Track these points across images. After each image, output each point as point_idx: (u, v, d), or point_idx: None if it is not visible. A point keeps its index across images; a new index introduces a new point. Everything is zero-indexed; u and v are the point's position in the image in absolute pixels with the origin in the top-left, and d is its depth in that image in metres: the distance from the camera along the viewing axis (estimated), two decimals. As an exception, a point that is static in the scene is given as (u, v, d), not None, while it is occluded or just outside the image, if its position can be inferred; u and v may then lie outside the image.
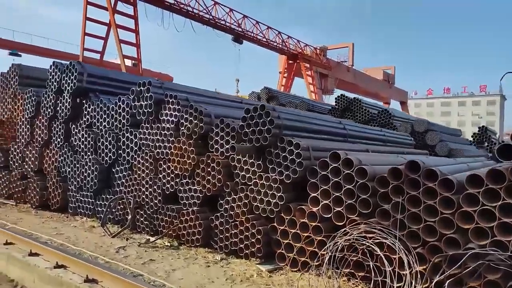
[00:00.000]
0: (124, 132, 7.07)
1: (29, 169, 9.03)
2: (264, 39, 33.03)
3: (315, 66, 35.75)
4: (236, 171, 5.43)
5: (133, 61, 26.20)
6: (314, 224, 4.63)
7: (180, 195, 6.06)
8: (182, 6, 27.98)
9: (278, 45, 34.23)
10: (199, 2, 28.84)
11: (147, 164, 6.53)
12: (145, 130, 6.65)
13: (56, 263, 4.45)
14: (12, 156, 9.52)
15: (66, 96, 8.11)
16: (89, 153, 7.66)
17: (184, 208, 5.98)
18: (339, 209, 4.51)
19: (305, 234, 4.70)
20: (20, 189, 9.23)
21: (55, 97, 8.41)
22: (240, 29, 31.13)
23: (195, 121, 5.80)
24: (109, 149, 7.30)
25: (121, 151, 7.10)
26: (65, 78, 8.04)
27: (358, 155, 4.80)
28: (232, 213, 5.41)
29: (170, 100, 6.24)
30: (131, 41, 25.46)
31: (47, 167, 8.71)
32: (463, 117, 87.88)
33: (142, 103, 6.55)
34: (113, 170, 7.28)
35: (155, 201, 6.37)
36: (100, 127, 7.64)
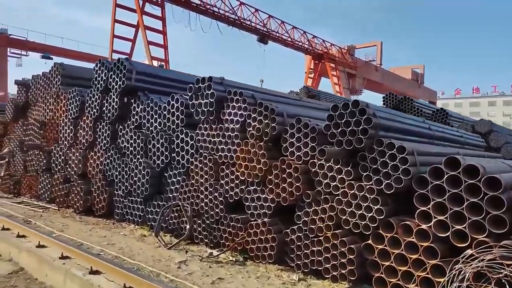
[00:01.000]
0: (179, 133, 6.34)
1: (72, 173, 8.46)
2: (289, 39, 32.27)
3: (341, 66, 34.68)
4: (318, 179, 4.51)
5: (160, 63, 25.92)
6: (425, 244, 3.74)
7: (247, 204, 5.21)
8: (208, 7, 27.81)
9: (303, 45, 33.43)
10: (225, 2, 28.55)
11: (206, 169, 5.73)
12: (203, 131, 5.90)
13: (124, 285, 3.74)
14: (54, 158, 8.99)
15: (113, 95, 7.49)
16: (138, 156, 6.98)
17: (252, 219, 5.15)
18: (460, 227, 3.65)
19: (413, 257, 3.81)
20: (62, 193, 8.68)
21: (101, 96, 7.81)
22: (265, 29, 30.55)
23: (266, 121, 4.98)
24: (162, 152, 6.53)
25: (175, 154, 6.34)
26: (113, 76, 7.41)
27: (469, 160, 3.92)
28: (313, 227, 4.49)
29: (235, 98, 5.39)
30: (158, 42, 25.28)
31: (91, 171, 8.13)
32: (493, 118, 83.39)
33: (201, 101, 5.80)
34: (166, 174, 6.54)
35: (216, 210, 5.60)
36: (151, 128, 6.94)
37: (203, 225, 5.73)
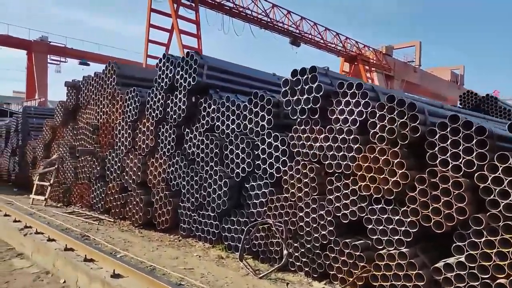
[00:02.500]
0: (265, 137, 5.16)
1: (130, 181, 7.49)
2: (322, 41, 31.06)
3: (376, 68, 32.98)
4: (492, 198, 3.17)
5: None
6: None
7: (370, 227, 3.93)
8: (241, 10, 27.25)
9: (336, 47, 32.11)
10: (258, 5, 27.90)
11: (306, 180, 4.43)
12: (301, 134, 4.68)
13: None
14: (109, 165, 8.06)
15: (180, 94, 6.44)
16: (212, 164, 5.82)
17: (379, 247, 3.94)
18: None
19: None
20: (118, 203, 7.72)
21: (165, 96, 6.79)
22: (297, 31, 29.55)
23: (401, 120, 3.77)
24: (242, 159, 5.29)
25: (260, 162, 5.12)
26: (180, 73, 6.39)
27: None
28: (486, 264, 3.10)
29: (349, 92, 4.13)
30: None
31: (152, 179, 7.12)
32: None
33: (299, 97, 4.65)
34: (247, 185, 5.35)
35: (322, 232, 4.32)
36: (227, 131, 5.79)
37: (302, 250, 4.51)
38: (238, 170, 5.36)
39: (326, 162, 4.23)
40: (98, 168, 7.99)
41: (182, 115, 6.20)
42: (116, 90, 7.75)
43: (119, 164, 7.55)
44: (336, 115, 4.19)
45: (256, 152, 5.14)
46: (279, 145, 4.87)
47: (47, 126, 10.26)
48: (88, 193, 8.41)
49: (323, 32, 31.69)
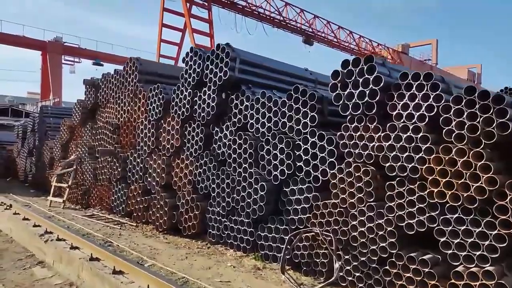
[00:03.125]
0: (308, 135, 4.51)
1: (154, 183, 7.03)
2: (335, 40, 30.46)
3: (390, 68, 32.11)
4: None
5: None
6: None
7: (443, 239, 3.28)
8: (253, 8, 26.92)
9: (349, 45, 31.44)
10: (271, 3, 27.49)
11: (359, 185, 3.84)
12: (352, 133, 4.01)
13: None
14: (130, 166, 7.60)
15: (209, 90, 5.94)
16: (246, 165, 5.20)
17: (455, 263, 3.24)
18: None
19: None
20: (141, 206, 7.26)
21: (192, 93, 6.28)
22: (310, 30, 29.02)
23: (486, 115, 3.18)
24: (281, 160, 4.73)
25: (302, 163, 4.56)
26: (210, 67, 5.89)
27: None
28: None
29: (415, 83, 3.52)
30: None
31: (177, 181, 6.64)
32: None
33: (353, 91, 4.01)
34: (286, 189, 4.75)
35: (382, 244, 3.69)
36: (262, 130, 5.16)
37: (355, 263, 3.97)
38: (276, 173, 4.82)
39: (387, 165, 3.67)
40: (119, 170, 7.53)
41: (211, 112, 5.69)
42: (138, 87, 7.28)
43: (141, 165, 7.08)
44: (399, 110, 3.63)
45: (297, 153, 4.60)
46: (325, 145, 4.32)
47: (65, 126, 9.86)
48: (108, 195, 7.97)
49: (336, 30, 31.11)
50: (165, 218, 6.37)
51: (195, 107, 5.99)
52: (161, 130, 6.67)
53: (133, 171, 7.25)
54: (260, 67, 5.78)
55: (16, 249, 5.97)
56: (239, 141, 5.32)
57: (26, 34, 25.86)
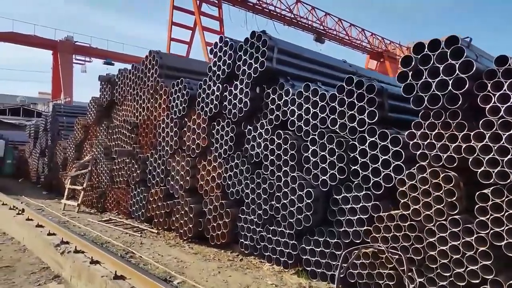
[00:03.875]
0: (366, 134, 3.74)
1: (177, 187, 6.39)
2: (347, 37, 29.58)
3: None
4: None
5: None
6: None
7: None
8: (264, 6, 26.27)
9: (361, 43, 30.58)
10: (282, 0, 26.82)
11: (439, 194, 3.10)
12: (427, 131, 3.25)
13: None
14: (151, 168, 6.97)
15: (241, 84, 5.25)
16: (286, 168, 4.45)
17: None
18: None
19: None
20: (162, 211, 6.62)
21: (222, 87, 5.62)
22: (321, 27, 28.25)
23: None
24: (331, 163, 4.02)
25: (358, 167, 3.84)
26: (243, 58, 5.09)
27: None
28: None
29: None
30: None
31: (203, 185, 5.99)
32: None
33: (430, 80, 3.22)
34: (337, 197, 4.03)
35: (471, 267, 2.92)
36: (306, 128, 4.39)
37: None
38: (324, 178, 4.13)
39: (480, 170, 2.97)
40: (138, 172, 6.90)
41: (244, 109, 5.02)
42: (159, 82, 6.63)
43: (163, 167, 6.44)
44: (494, 103, 2.93)
45: (352, 155, 3.91)
46: (389, 145, 3.63)
47: (79, 125, 9.27)
48: (126, 199, 7.35)
49: (348, 28, 30.27)
50: (190, 226, 5.72)
51: (225, 103, 5.31)
52: (185, 129, 6.01)
53: (154, 173, 6.61)
54: (299, 58, 5.08)
55: (29, 260, 5.35)
56: (278, 141, 4.64)
57: (38, 34, 25.49)
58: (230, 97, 5.24)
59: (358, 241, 3.79)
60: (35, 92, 42.05)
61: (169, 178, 6.26)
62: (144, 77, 7.05)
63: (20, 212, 6.88)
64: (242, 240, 5.11)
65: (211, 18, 25.66)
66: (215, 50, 5.40)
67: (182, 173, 6.01)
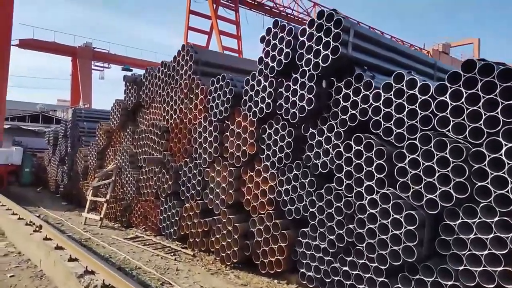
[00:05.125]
0: (501, 139, 2.81)
1: (217, 202, 5.38)
2: (365, 40, 28.59)
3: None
4: None
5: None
6: None
7: None
8: (281, 9, 25.47)
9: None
10: (299, 3, 25.96)
11: None
12: None
13: None
14: (185, 179, 5.98)
15: (303, 77, 4.18)
16: (371, 183, 3.36)
17: None
18: None
19: None
20: (199, 230, 5.61)
21: (276, 82, 4.61)
22: None
23: None
24: (443, 177, 2.91)
25: (487, 183, 2.69)
26: (307, 45, 3.85)
27: None
28: None
29: None
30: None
31: (251, 200, 4.94)
32: None
33: None
34: (453, 224, 2.90)
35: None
36: (398, 131, 3.27)
37: None
38: (431, 196, 3.05)
39: None
40: (170, 183, 5.91)
41: (307, 108, 3.97)
42: (195, 80, 5.65)
43: (199, 178, 5.44)
44: None
45: (476, 166, 2.83)
46: (541, 153, 2.55)
47: (101, 130, 8.38)
48: (154, 213, 6.36)
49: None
50: (235, 249, 4.68)
51: (280, 101, 4.28)
52: (228, 134, 5.01)
53: (188, 185, 5.61)
54: (378, 45, 4.02)
55: (47, 291, 4.42)
56: (357, 147, 3.57)
57: (57, 40, 25.11)
58: (287, 94, 4.20)
59: (491, 287, 2.68)
60: (54, 100, 42.02)
61: (207, 191, 5.25)
62: (176, 75, 6.09)
63: (37, 229, 5.95)
64: (304, 271, 4.04)
65: (228, 22, 24.98)
66: (267, 37, 4.39)
67: (224, 185, 4.99)
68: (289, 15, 25.74)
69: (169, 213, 5.90)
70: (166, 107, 6.28)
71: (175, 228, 5.77)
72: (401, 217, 3.12)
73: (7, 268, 4.90)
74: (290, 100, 4.16)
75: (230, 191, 4.89)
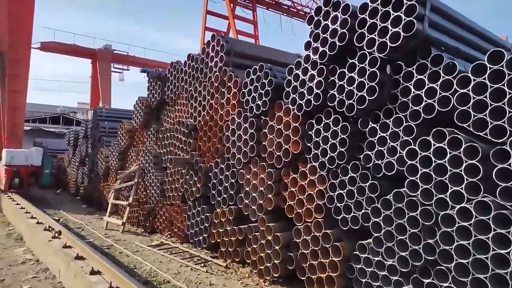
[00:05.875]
0: None
1: (254, 207, 4.74)
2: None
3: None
4: None
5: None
6: None
7: None
8: (299, 8, 24.79)
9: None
10: (317, 2, 25.29)
11: None
12: None
13: None
14: (216, 181, 5.31)
15: (363, 63, 3.54)
16: (460, 189, 2.64)
17: None
18: None
19: None
20: (233, 239, 4.96)
21: (327, 70, 3.92)
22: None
23: None
24: None
25: None
26: (369, 22, 3.20)
27: None
28: None
29: None
30: None
31: (295, 207, 4.21)
32: None
33: None
34: None
35: None
36: (495, 123, 2.58)
37: None
38: (550, 205, 2.36)
39: None
40: (199, 185, 5.33)
41: (368, 98, 3.32)
42: (228, 72, 5.07)
43: (232, 181, 4.83)
44: None
45: None
46: None
47: (123, 130, 7.88)
48: (181, 218, 5.79)
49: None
50: (276, 262, 4.04)
51: (332, 91, 3.63)
52: (266, 131, 4.38)
53: (220, 188, 5.01)
54: (457, 23, 3.34)
55: (66, 308, 3.88)
56: (439, 144, 2.89)
57: (77, 43, 25.12)
58: (341, 83, 3.55)
59: None
60: (74, 103, 42.42)
61: (242, 195, 4.64)
62: (205, 68, 5.51)
63: (56, 234, 5.46)
64: (365, 292, 3.37)
65: (245, 22, 24.52)
66: (316, 17, 3.75)
67: (262, 189, 4.37)
68: (307, 14, 25.08)
69: (198, 219, 5.31)
70: (194, 103, 5.71)
71: (205, 235, 5.18)
72: (508, 232, 2.42)
73: (24, 279, 4.41)
74: (346, 90, 3.50)
75: (269, 196, 4.26)
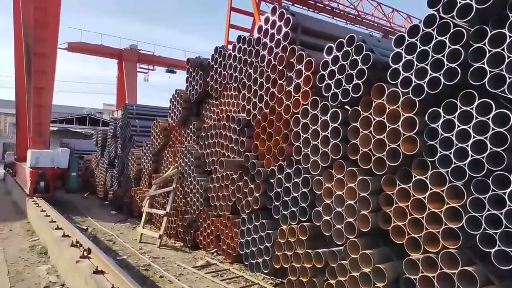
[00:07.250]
0: None
1: (340, 226, 3.58)
2: (418, 35, 25.95)
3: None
4: None
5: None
6: None
7: None
8: (326, 3, 23.50)
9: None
10: None
11: None
12: None
13: None
14: (280, 190, 4.15)
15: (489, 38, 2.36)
16: None
17: None
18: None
19: None
20: (307, 266, 3.60)
21: (468, 35, 2.84)
22: (389, 25, 24.83)
23: None
24: None
25: None
26: None
27: None
28: None
29: None
30: None
31: (407, 230, 3.09)
32: None
33: None
34: None
35: None
36: None
37: None
38: None
39: None
40: (257, 194, 4.21)
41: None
42: (296, 52, 3.94)
43: (305, 190, 3.68)
44: None
45: None
46: None
47: (157, 128, 6.87)
48: (231, 234, 4.70)
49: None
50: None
51: (480, 64, 2.45)
52: (357, 124, 3.23)
53: (286, 198, 3.88)
54: None
55: None
56: None
57: (104, 43, 24.74)
58: (497, 50, 2.35)
59: None
60: (100, 104, 42.48)
61: (320, 209, 3.49)
62: (262, 49, 4.39)
63: (85, 253, 4.48)
64: None
65: (271, 17, 23.43)
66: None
67: (352, 202, 3.20)
68: (334, 9, 23.83)
69: (256, 236, 4.20)
70: (247, 93, 4.60)
71: (266, 258, 4.06)
72: None
73: (46, 313, 3.43)
74: (508, 60, 2.30)
75: (364, 212, 3.10)
